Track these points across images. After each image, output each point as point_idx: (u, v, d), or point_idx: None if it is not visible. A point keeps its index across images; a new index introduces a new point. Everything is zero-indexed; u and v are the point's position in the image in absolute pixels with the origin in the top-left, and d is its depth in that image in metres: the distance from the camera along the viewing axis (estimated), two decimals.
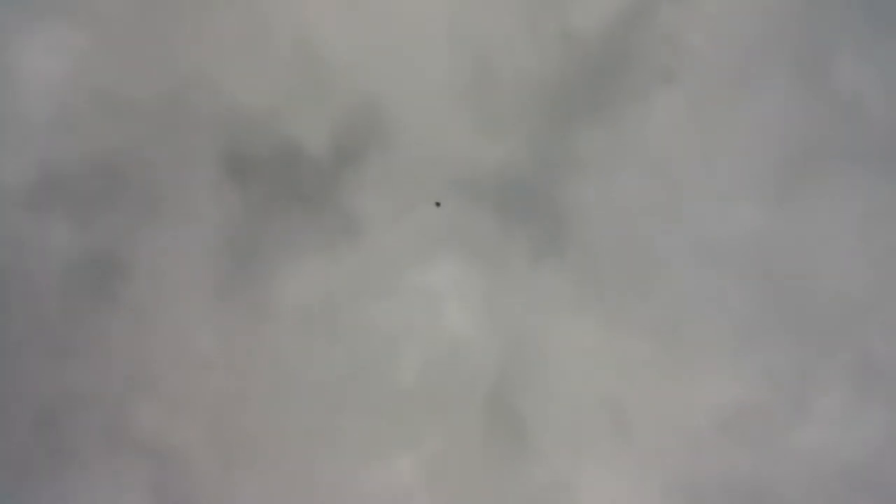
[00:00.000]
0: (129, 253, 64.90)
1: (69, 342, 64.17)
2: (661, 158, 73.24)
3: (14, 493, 60.99)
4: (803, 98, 67.90)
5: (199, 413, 63.73)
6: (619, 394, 65.82)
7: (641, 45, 66.54)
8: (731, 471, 62.54)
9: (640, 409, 65.30)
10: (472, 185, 72.43)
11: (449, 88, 70.66)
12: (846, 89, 64.85)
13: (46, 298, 63.80)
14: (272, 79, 67.77)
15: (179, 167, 64.84)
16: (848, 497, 62.77)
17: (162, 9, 65.31)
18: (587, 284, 70.56)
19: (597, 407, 65.69)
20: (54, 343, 63.87)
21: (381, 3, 66.45)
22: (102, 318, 64.08)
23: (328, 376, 65.62)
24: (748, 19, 64.88)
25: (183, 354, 64.64)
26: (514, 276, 69.89)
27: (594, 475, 63.24)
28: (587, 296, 70.24)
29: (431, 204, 68.95)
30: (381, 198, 70.16)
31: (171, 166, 64.86)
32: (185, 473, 63.49)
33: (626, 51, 66.49)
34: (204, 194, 65.70)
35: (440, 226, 68.94)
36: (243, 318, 65.49)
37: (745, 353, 66.41)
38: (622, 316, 69.75)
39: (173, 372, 64.61)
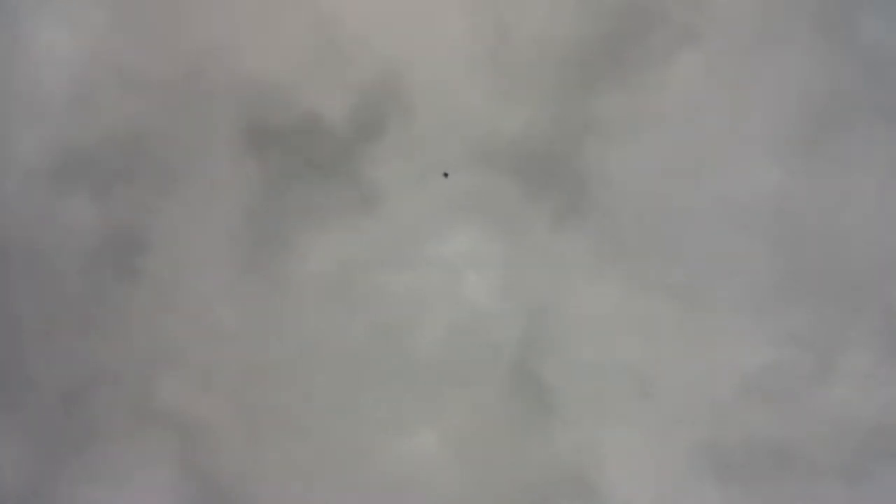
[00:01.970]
0: (149, 228, 66.36)
1: (92, 319, 65.85)
2: (683, 120, 73.89)
3: (42, 470, 62.99)
4: (827, 55, 68.39)
5: (223, 386, 65.39)
6: (642, 358, 66.98)
7: (662, 5, 67.18)
8: (756, 433, 63.81)
9: (664, 374, 66.50)
10: (492, 153, 73.34)
11: (467, 54, 71.45)
12: (871, 45, 65.38)
13: (69, 276, 65.43)
14: (290, 49, 68.80)
15: (199, 141, 66.14)
16: (875, 458, 64.08)
17: None
18: (609, 249, 71.60)
19: (620, 372, 66.89)
20: (77, 320, 65.56)
21: None
22: (125, 293, 65.69)
23: (350, 347, 67.10)
24: None
25: (206, 328, 66.23)
26: (535, 242, 70.97)
27: (618, 440, 64.60)
28: (609, 261, 71.28)
29: (450, 172, 69.78)
30: (400, 167, 71.25)
31: (190, 140, 66.17)
32: (210, 446, 65.28)
33: (647, 11, 67.18)
34: (223, 167, 67.04)
35: (460, 194, 70.00)
36: (265, 289, 66.95)
37: (770, 315, 67.44)
38: (645, 280, 70.78)
39: (196, 346, 66.24)
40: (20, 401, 61.39)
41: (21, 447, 59.04)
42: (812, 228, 68.55)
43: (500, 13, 67.35)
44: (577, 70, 73.07)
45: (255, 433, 60.25)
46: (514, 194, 68.73)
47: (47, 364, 61.80)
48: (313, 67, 69.17)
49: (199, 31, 63.61)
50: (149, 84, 61.38)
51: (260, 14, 65.35)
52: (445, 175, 60.47)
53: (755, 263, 68.02)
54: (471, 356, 64.05)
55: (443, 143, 69.73)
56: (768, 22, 67.45)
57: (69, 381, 62.68)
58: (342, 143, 68.68)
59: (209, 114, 62.62)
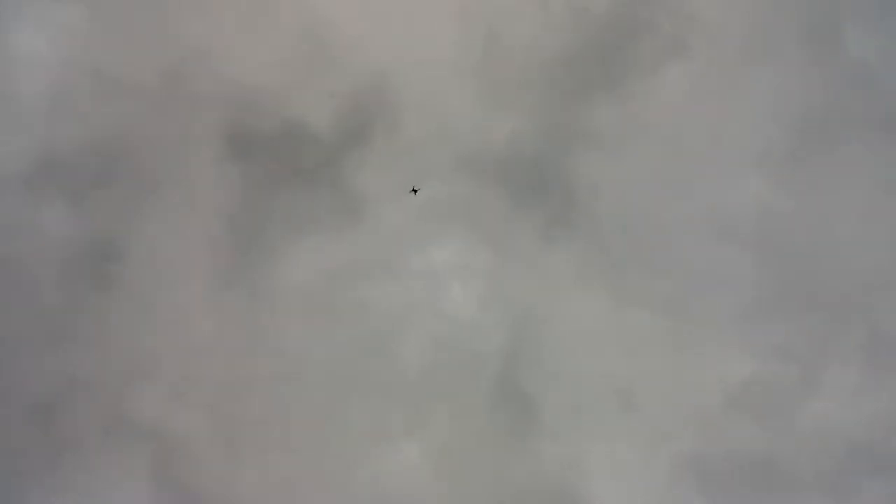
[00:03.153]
0: (127, 236, 66.34)
1: (68, 329, 65.56)
2: (671, 132, 74.88)
3: (15, 482, 62.54)
4: (814, 68, 69.52)
5: (200, 398, 65.39)
6: (626, 371, 67.80)
7: (652, 18, 67.98)
8: (740, 446, 64.71)
9: (648, 386, 67.34)
10: (479, 162, 73.94)
11: (456, 64, 72.09)
12: (857, 59, 66.48)
13: (44, 285, 65.16)
14: (274, 55, 69.11)
15: (179, 148, 66.20)
16: (859, 472, 64.76)
17: None
18: (595, 261, 72.38)
19: (604, 384, 67.67)
20: (52, 330, 65.24)
21: None
22: (101, 304, 65.55)
23: (331, 360, 67.24)
24: None
25: (184, 340, 66.16)
26: (522, 253, 71.59)
27: (603, 453, 65.27)
28: (595, 273, 72.07)
29: (436, 182, 70.01)
30: (385, 176, 71.59)
31: (170, 147, 66.19)
32: (187, 459, 65.27)
33: (636, 23, 67.92)
34: (204, 175, 67.08)
35: (445, 204, 70.44)
36: (245, 301, 67.00)
37: (754, 328, 68.43)
38: (631, 293, 71.64)
39: (174, 357, 66.13)
40: None
41: None
42: (797, 241, 69.47)
43: (489, 22, 68.01)
44: (565, 80, 73.58)
45: (233, 446, 60.23)
46: (501, 204, 69.07)
47: (18, 375, 61.30)
48: (299, 73, 69.20)
49: (181, 34, 63.65)
50: (127, 89, 61.42)
51: (245, 19, 65.47)
52: (415, 191, 60.82)
53: (740, 276, 68.84)
54: (454, 368, 64.31)
55: (429, 152, 69.98)
56: (756, 35, 68.58)
57: (41, 393, 62.28)
58: (327, 151, 68.81)
59: (190, 119, 62.63)
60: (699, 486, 67.42)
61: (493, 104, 76.81)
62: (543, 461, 68.61)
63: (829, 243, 67.04)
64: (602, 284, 74.19)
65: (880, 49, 66.72)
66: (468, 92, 76.14)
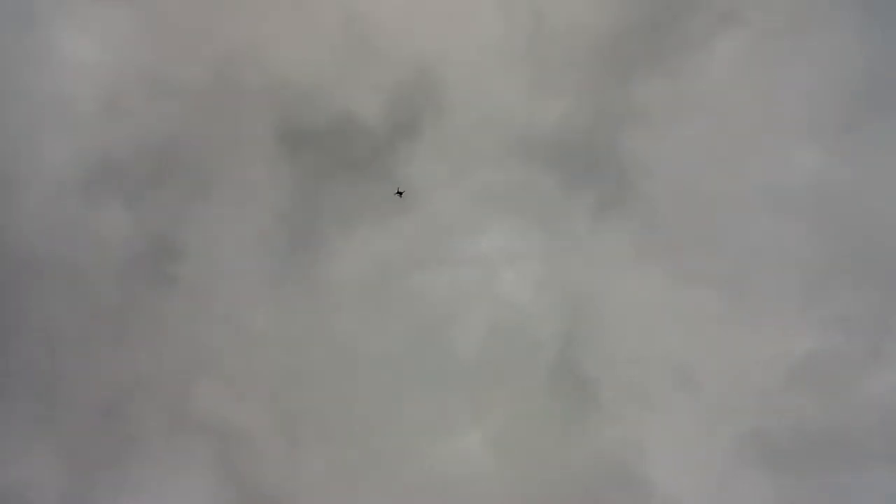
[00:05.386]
0: (183, 235, 70.18)
1: (128, 329, 69.64)
2: (723, 106, 77.03)
3: (85, 479, 66.71)
4: (867, 36, 71.31)
5: (260, 391, 69.23)
6: (685, 349, 70.47)
7: None
8: (804, 421, 67.20)
9: (708, 363, 69.97)
10: (529, 146, 76.77)
11: (502, 48, 74.86)
12: None
13: (103, 286, 69.28)
14: (322, 50, 72.44)
15: (232, 145, 69.89)
16: None
17: None
18: (650, 240, 75.01)
19: (663, 363, 70.45)
20: (115, 331, 69.38)
21: None
22: (161, 302, 69.54)
23: (388, 350, 70.75)
24: None
25: (242, 335, 70.02)
26: (575, 235, 74.40)
27: (663, 432, 68.11)
28: (651, 251, 74.71)
29: (486, 168, 72.53)
30: (435, 164, 74.73)
31: (222, 144, 69.88)
32: (249, 453, 69.15)
33: None
34: (257, 171, 70.71)
35: (496, 190, 73.38)
36: (301, 293, 70.63)
37: (815, 301, 70.76)
38: (687, 270, 74.19)
39: (233, 352, 70.01)
40: (59, 413, 65.15)
41: (61, 458, 62.95)
42: (855, 211, 71.63)
43: (533, 4, 70.43)
44: (614, 58, 75.91)
45: (294, 438, 64.06)
46: (553, 187, 71.90)
47: (85, 375, 65.53)
48: (346, 67, 72.42)
49: (229, 34, 67.19)
50: (178, 89, 65.07)
51: (291, 15, 68.83)
52: (399, 193, 63.07)
53: (798, 249, 71.16)
54: (511, 354, 67.49)
55: (478, 139, 72.89)
56: (808, 4, 70.33)
57: (107, 392, 66.43)
58: (376, 143, 72.03)
59: (241, 117, 66.26)
60: (763, 463, 69.81)
61: (541, 87, 79.27)
62: (604, 442, 71.33)
63: (888, 211, 68.93)
64: (657, 263, 76.55)
65: None
66: (515, 76, 78.70)
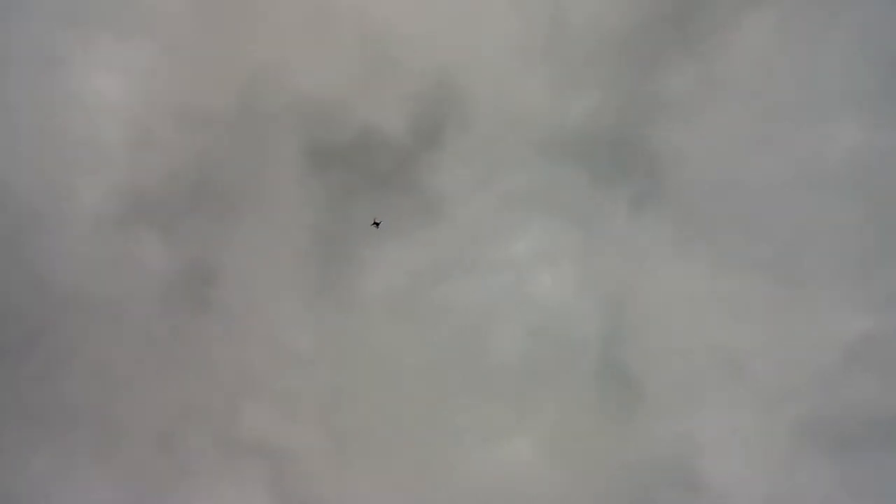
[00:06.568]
0: (220, 260, 72.93)
1: (175, 356, 72.49)
2: (755, 86, 76.34)
3: (138, 501, 69.26)
4: None
5: (306, 410, 71.07)
6: (733, 338, 69.60)
7: None
8: (863, 403, 65.47)
9: (759, 350, 68.94)
10: (557, 145, 77.41)
11: (522, 48, 75.90)
12: None
13: (146, 318, 72.37)
14: (342, 66, 74.79)
15: (260, 167, 72.59)
16: None
17: (221, 12, 72.66)
18: (689, 230, 74.59)
19: (711, 354, 69.70)
20: (162, 358, 72.29)
21: None
22: (203, 327, 72.22)
23: (429, 360, 71.85)
24: None
25: (283, 355, 72.13)
26: (611, 231, 74.49)
27: (716, 423, 67.26)
28: (691, 241, 74.24)
29: (515, 171, 73.33)
30: (463, 171, 75.98)
31: (251, 167, 72.64)
32: (301, 471, 70.87)
33: None
34: (286, 191, 73.19)
35: (526, 192, 74.15)
36: (337, 310, 72.48)
37: (866, 278, 69.16)
38: (731, 258, 73.42)
39: (276, 372, 72.13)
40: (114, 444, 68.06)
41: (120, 488, 65.58)
42: None
43: (551, 1, 70.91)
44: (638, 48, 76.17)
45: (343, 455, 65.57)
46: (584, 185, 72.29)
47: (136, 405, 68.37)
48: (367, 81, 74.50)
49: (249, 58, 70.01)
50: (204, 118, 68.05)
51: (309, 35, 71.38)
52: (376, 224, 63.69)
53: (845, 226, 69.89)
54: (554, 356, 67.86)
55: (504, 142, 73.92)
56: None
57: (159, 420, 69.13)
58: (402, 154, 73.70)
59: (267, 139, 68.86)
60: (822, 448, 68.04)
61: (566, 84, 79.81)
62: (656, 438, 70.63)
63: None
64: (699, 252, 75.83)
65: None
66: (538, 75, 79.48)
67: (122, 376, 72.28)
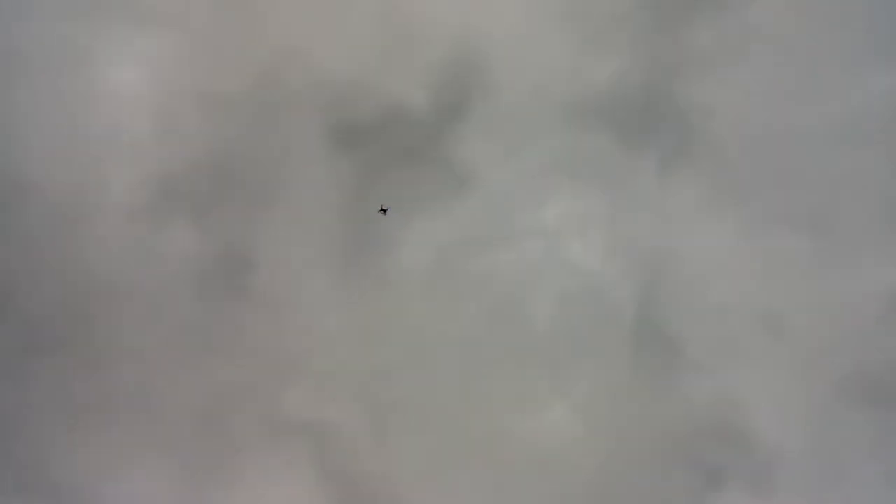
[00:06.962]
0: (251, 244, 73.82)
1: (213, 341, 73.75)
2: (785, 36, 75.21)
3: (188, 492, 71.00)
4: None
5: (346, 388, 72.09)
6: (770, 294, 69.42)
7: None
8: None
9: (798, 306, 68.71)
10: (583, 109, 77.10)
11: (543, 12, 75.22)
12: None
13: (185, 304, 73.54)
14: (361, 43, 74.84)
15: (286, 150, 73.12)
16: None
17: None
18: (721, 187, 74.17)
19: (748, 312, 69.57)
20: (201, 344, 73.58)
21: None
22: (239, 312, 73.31)
23: (464, 333, 72.43)
24: None
25: (320, 334, 73.08)
26: (642, 192, 74.34)
27: (756, 381, 67.28)
28: (723, 199, 73.86)
29: (542, 138, 73.40)
30: (489, 141, 76.02)
31: (277, 150, 73.21)
32: (343, 446, 72.01)
33: None
34: (313, 173, 73.74)
35: (555, 158, 74.08)
36: (371, 287, 73.16)
37: None
38: (764, 213, 73.00)
39: (315, 353, 73.14)
40: (160, 429, 69.65)
41: (166, 472, 67.24)
42: None
43: None
44: (660, 4, 75.26)
45: (384, 430, 66.57)
46: (613, 147, 72.25)
47: (178, 392, 69.83)
48: (387, 57, 74.68)
49: (267, 41, 70.40)
50: (227, 103, 68.64)
51: (326, 13, 71.47)
52: (383, 210, 63.42)
53: (881, 177, 69.28)
54: (589, 322, 68.24)
55: (530, 109, 73.91)
56: None
57: (201, 405, 70.60)
58: (428, 128, 73.97)
59: (291, 121, 69.36)
60: (866, 402, 67.85)
61: (589, 47, 79.26)
62: (695, 399, 70.83)
63: None
64: (732, 210, 75.39)
65: None
66: (560, 40, 78.93)
67: (165, 364, 73.84)
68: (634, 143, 74.75)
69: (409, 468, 72.33)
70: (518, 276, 72.91)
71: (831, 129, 72.74)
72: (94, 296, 73.32)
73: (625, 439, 69.84)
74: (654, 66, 76.43)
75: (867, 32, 73.59)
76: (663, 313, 72.84)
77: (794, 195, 72.85)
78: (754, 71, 75.50)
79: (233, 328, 74.90)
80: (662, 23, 76.03)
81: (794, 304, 70.28)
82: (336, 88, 73.92)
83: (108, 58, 72.13)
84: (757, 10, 75.05)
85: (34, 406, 68.36)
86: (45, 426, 68.17)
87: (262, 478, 72.87)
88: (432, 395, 73.15)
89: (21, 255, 71.92)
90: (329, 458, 73.41)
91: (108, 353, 74.09)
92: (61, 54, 73.48)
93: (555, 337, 72.13)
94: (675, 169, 75.02)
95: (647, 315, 72.78)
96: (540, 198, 74.32)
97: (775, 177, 73.56)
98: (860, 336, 67.63)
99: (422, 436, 72.19)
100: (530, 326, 72.67)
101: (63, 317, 72.11)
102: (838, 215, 71.75)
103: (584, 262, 73.65)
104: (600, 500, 67.97)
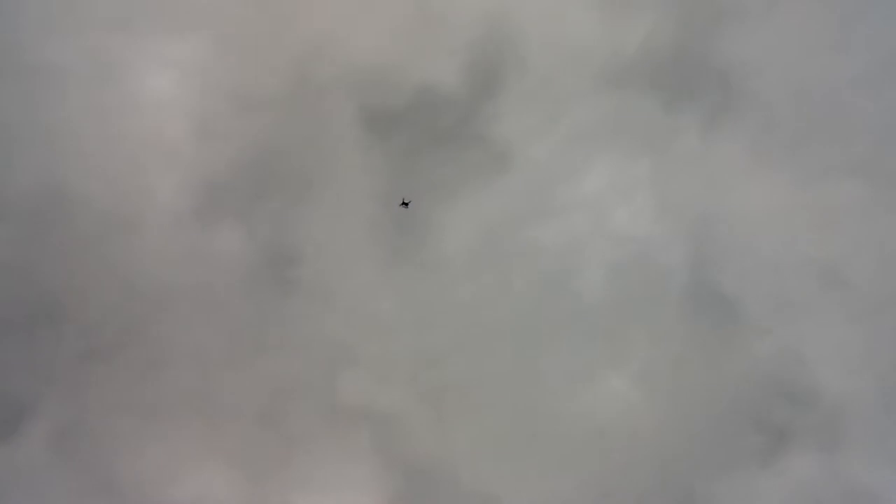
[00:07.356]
0: (296, 238, 74.68)
1: (267, 336, 74.68)
2: None
3: (253, 486, 71.96)
4: None
5: (400, 372, 72.33)
6: (827, 246, 67.47)
7: None
8: None
9: (855, 257, 66.64)
10: (620, 73, 76.01)
11: None
12: None
13: (236, 301, 74.63)
14: (391, 27, 74.91)
15: (323, 141, 73.75)
16: None
17: None
18: (768, 141, 72.43)
19: (805, 266, 67.74)
20: (255, 339, 74.59)
21: None
22: (289, 306, 74.10)
23: (514, 309, 72.02)
24: None
25: (370, 322, 73.41)
26: (686, 154, 73.01)
27: (817, 335, 65.40)
28: (771, 153, 72.09)
29: (579, 107, 72.52)
30: (525, 115, 75.52)
31: (314, 142, 73.89)
32: (401, 431, 72.11)
33: None
34: (351, 160, 74.21)
35: (594, 126, 73.24)
36: (417, 271, 73.32)
37: None
38: (816, 164, 71.05)
39: (366, 340, 73.49)
40: (220, 427, 70.79)
41: (229, 468, 68.28)
42: None
43: None
44: None
45: (440, 412, 66.60)
46: (652, 110, 71.06)
47: (237, 388, 70.90)
48: (417, 39, 74.49)
49: (298, 35, 71.10)
50: (261, 99, 69.59)
51: (353, 2, 71.49)
52: (405, 204, 62.94)
53: None
54: (640, 289, 67.24)
55: (564, 79, 73.08)
56: None
57: (260, 400, 71.52)
58: (462, 107, 73.70)
59: (327, 112, 69.89)
60: None
61: (620, 9, 78.10)
62: (756, 358, 69.11)
63: None
64: (781, 162, 73.36)
65: None
66: (590, 5, 77.96)
67: (220, 361, 75.13)
68: (673, 104, 73.49)
69: (467, 449, 72.28)
70: (565, 248, 72.29)
71: (878, 73, 70.37)
72: (149, 300, 75.06)
73: (686, 405, 68.65)
74: (688, 23, 75.01)
75: None
76: (717, 274, 71.43)
77: (843, 144, 70.66)
78: (794, 19, 73.45)
79: (284, 322, 75.87)
80: None
81: (852, 253, 68.19)
82: (369, 76, 74.37)
83: (144, 66, 73.82)
84: None
85: (97, 411, 70.20)
86: (109, 430, 69.90)
87: (324, 467, 73.58)
88: (486, 375, 73.02)
89: (75, 266, 73.93)
90: (388, 443, 73.78)
91: (165, 356, 75.70)
92: (98, 66, 75.37)
93: (607, 307, 71.31)
94: (719, 126, 73.51)
95: (700, 277, 71.45)
96: (581, 167, 73.59)
97: (823, 126, 71.47)
98: None
99: (478, 416, 72.10)
100: (581, 299, 71.94)
101: (119, 322, 73.94)
102: (890, 162, 69.34)
103: (631, 229, 72.63)
104: (664, 467, 66.94)
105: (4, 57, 73.55)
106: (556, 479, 67.55)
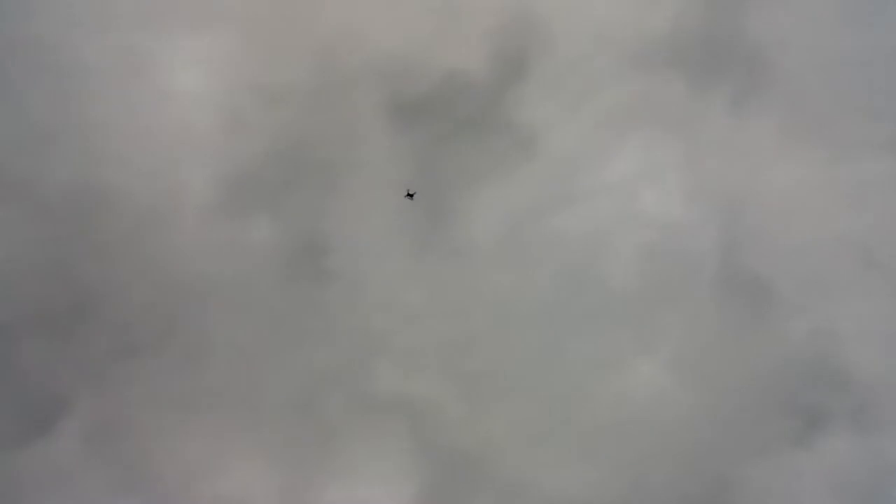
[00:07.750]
0: (327, 228, 75.47)
1: (302, 326, 75.71)
2: None
3: (291, 477, 73.19)
4: None
5: (432, 361, 73.08)
6: (859, 226, 67.24)
7: None
8: None
9: (887, 233, 66.28)
10: (646, 54, 75.85)
11: None
12: None
13: (269, 295, 75.67)
14: (415, 16, 75.05)
15: (350, 131, 74.30)
16: None
17: None
18: (799, 119, 72.11)
19: (838, 245, 67.55)
20: (291, 330, 75.64)
21: None
22: (322, 296, 75.02)
23: (544, 296, 72.44)
24: None
25: (402, 311, 74.19)
26: (715, 134, 72.84)
27: (852, 314, 65.26)
28: (802, 131, 71.81)
29: (605, 89, 72.65)
30: (551, 100, 75.62)
31: (341, 133, 74.51)
32: (435, 419, 72.94)
33: None
34: (379, 150, 74.75)
35: (620, 109, 73.21)
36: (447, 260, 73.88)
37: None
38: (848, 140, 70.67)
39: (398, 329, 74.32)
40: (258, 419, 72.05)
41: (267, 459, 69.60)
42: None
43: None
44: None
45: (473, 399, 67.38)
46: (680, 91, 70.99)
47: (273, 379, 72.09)
48: (442, 26, 74.77)
49: (323, 26, 71.63)
50: (288, 91, 70.27)
51: None
52: (410, 195, 62.96)
53: None
54: (671, 272, 67.44)
55: (590, 62, 73.19)
56: None
57: (296, 390, 72.69)
58: (488, 93, 73.99)
59: (353, 102, 70.47)
60: None
61: None
62: (791, 339, 69.04)
63: None
64: (812, 140, 72.97)
65: None
66: None
67: (256, 353, 76.32)
68: (701, 84, 73.26)
69: (499, 436, 73.00)
70: (595, 233, 72.50)
71: None
72: (183, 294, 76.39)
73: (718, 389, 68.86)
74: (715, 1, 74.50)
75: None
76: (749, 256, 71.34)
77: (874, 120, 70.09)
78: None
79: (317, 312, 76.85)
80: None
81: (884, 232, 67.83)
82: (394, 65, 74.77)
83: (173, 62, 74.67)
84: None
85: (133, 406, 71.67)
86: (146, 425, 71.37)
87: (360, 454, 74.68)
88: (518, 362, 73.59)
89: (110, 262, 75.38)
90: (423, 431, 74.70)
91: (201, 349, 77.05)
92: (128, 64, 76.42)
93: (638, 292, 71.51)
94: (747, 106, 73.21)
95: (732, 259, 71.44)
96: (609, 151, 73.60)
97: (854, 102, 70.95)
98: None
99: (510, 403, 72.71)
100: (611, 284, 72.14)
101: (155, 317, 75.36)
102: None
103: (660, 212, 72.65)
104: (697, 452, 67.30)
105: (38, 57, 74.94)
106: (589, 465, 68.17)
